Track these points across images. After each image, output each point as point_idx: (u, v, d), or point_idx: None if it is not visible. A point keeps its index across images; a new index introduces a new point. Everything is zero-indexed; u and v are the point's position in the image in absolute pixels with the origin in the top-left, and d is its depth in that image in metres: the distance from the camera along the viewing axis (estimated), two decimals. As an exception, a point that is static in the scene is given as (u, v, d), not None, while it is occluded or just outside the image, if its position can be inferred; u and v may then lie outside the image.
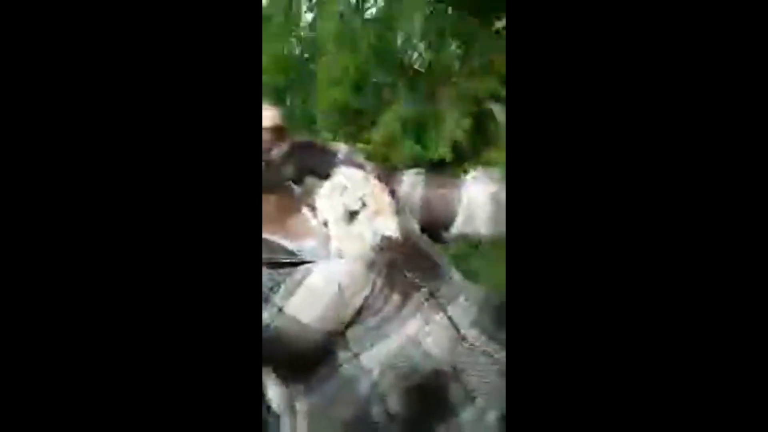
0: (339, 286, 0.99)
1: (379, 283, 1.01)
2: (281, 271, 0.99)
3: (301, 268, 0.99)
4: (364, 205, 1.06)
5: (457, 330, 1.02)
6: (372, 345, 1.00)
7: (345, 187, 1.07)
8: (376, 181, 1.10)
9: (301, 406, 1.03)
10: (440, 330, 1.02)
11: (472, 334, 1.03)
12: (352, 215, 1.05)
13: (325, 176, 1.10)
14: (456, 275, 1.10)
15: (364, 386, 1.00)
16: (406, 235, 1.06)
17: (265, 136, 1.00)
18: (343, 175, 1.09)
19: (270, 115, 1.01)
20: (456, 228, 1.12)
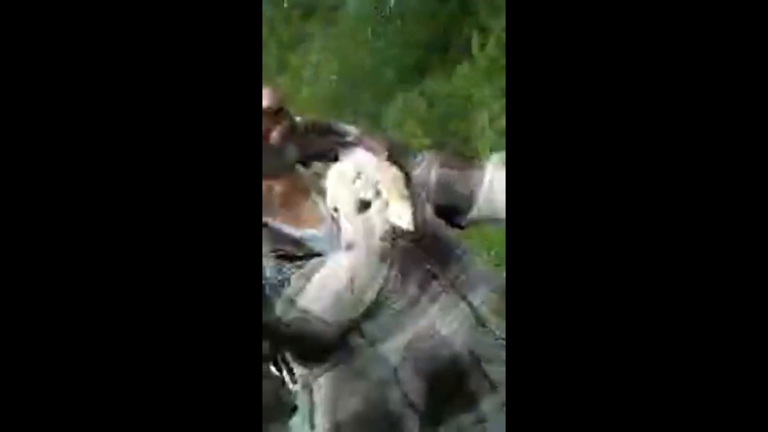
0: (351, 279, 0.95)
1: (394, 274, 0.97)
2: (291, 264, 0.95)
3: (310, 262, 0.96)
4: (378, 194, 1.00)
5: (478, 318, 0.99)
6: (389, 336, 0.97)
7: (358, 174, 1.02)
8: (390, 166, 1.03)
9: (317, 389, 1.00)
10: (461, 318, 0.98)
11: (494, 322, 0.99)
12: (365, 205, 1.00)
13: (334, 159, 1.04)
14: (477, 261, 1.06)
15: (381, 373, 0.97)
16: (422, 223, 1.01)
17: (264, 118, 0.95)
18: (355, 160, 1.03)
19: (267, 95, 0.95)
20: (475, 212, 1.06)
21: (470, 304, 0.99)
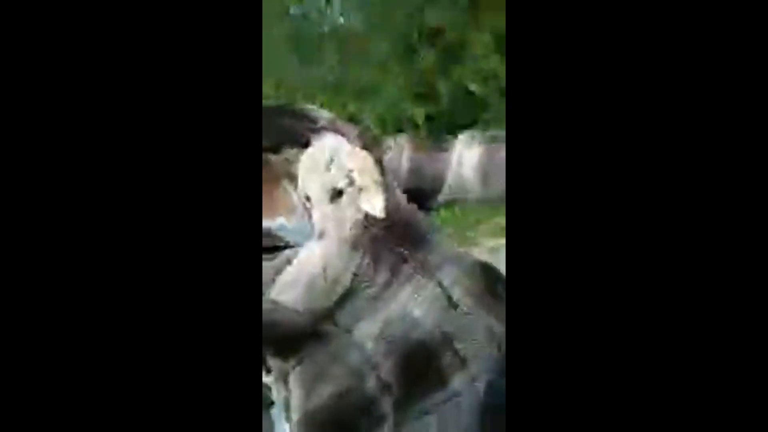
0: (324, 269, 0.94)
1: (366, 261, 0.96)
2: (264, 256, 0.93)
3: (282, 254, 0.95)
4: (350, 182, 0.98)
5: (449, 298, 0.99)
6: (362, 322, 0.96)
7: (330, 160, 0.99)
8: (362, 152, 1.02)
9: (293, 379, 1.00)
10: (431, 299, 0.99)
11: (463, 300, 1.00)
12: (338, 194, 0.98)
13: (305, 145, 1.01)
14: (446, 243, 1.06)
15: (356, 358, 0.97)
16: (394, 209, 1.00)
17: None
18: (327, 145, 1.01)
19: None
20: (445, 193, 1.07)
21: (440, 285, 0.99)
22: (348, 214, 0.97)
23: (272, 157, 1.01)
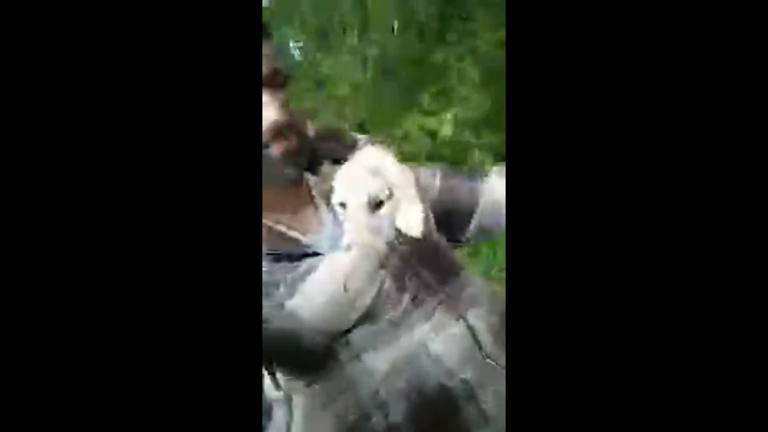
0: (344, 285, 0.89)
1: (389, 282, 0.91)
2: (287, 265, 0.90)
3: (306, 262, 0.90)
4: (390, 195, 0.94)
5: (476, 340, 0.91)
6: (377, 348, 0.90)
7: (374, 169, 0.95)
8: (404, 167, 0.98)
9: (297, 400, 0.94)
10: (456, 339, 0.91)
11: (491, 347, 0.92)
12: (378, 204, 0.93)
13: (342, 162, 0.99)
14: (478, 279, 1.00)
15: (365, 389, 0.90)
16: (427, 232, 0.96)
17: (266, 131, 0.88)
18: (371, 154, 0.97)
19: (275, 108, 0.88)
20: (474, 226, 1.04)
21: (467, 324, 0.92)
22: (382, 227, 0.93)
23: (310, 177, 0.99)
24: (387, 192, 0.94)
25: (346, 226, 0.93)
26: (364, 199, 0.93)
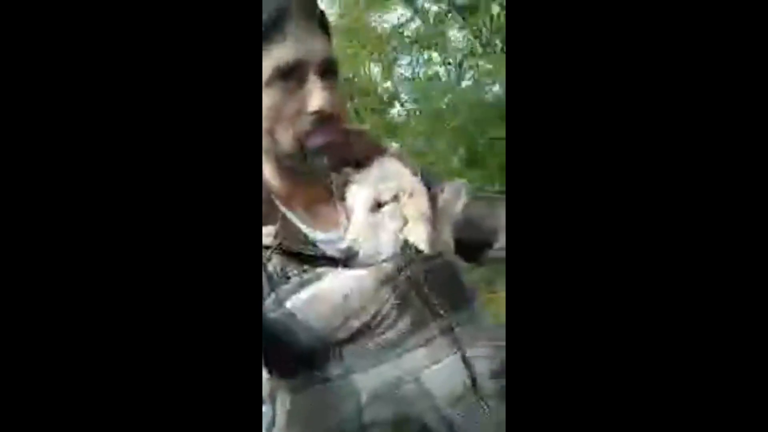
0: (345, 297, 0.87)
1: (392, 300, 0.88)
2: (296, 264, 0.89)
3: (316, 270, 0.89)
4: (395, 198, 0.94)
5: (472, 377, 0.86)
6: (367, 369, 0.86)
7: (384, 178, 0.97)
8: (418, 182, 0.98)
9: (282, 400, 0.91)
10: (451, 371, 0.86)
11: (488, 386, 0.86)
12: (378, 205, 0.94)
13: (365, 166, 1.00)
14: (485, 313, 0.95)
15: (348, 408, 0.86)
16: (438, 251, 0.94)
17: (315, 120, 0.90)
18: (385, 164, 0.99)
19: (323, 97, 0.90)
20: (497, 249, 0.99)
21: (465, 360, 0.87)
22: (384, 226, 0.93)
23: (333, 175, 0.99)
24: (392, 195, 0.95)
25: (351, 223, 0.94)
26: (369, 200, 0.95)
